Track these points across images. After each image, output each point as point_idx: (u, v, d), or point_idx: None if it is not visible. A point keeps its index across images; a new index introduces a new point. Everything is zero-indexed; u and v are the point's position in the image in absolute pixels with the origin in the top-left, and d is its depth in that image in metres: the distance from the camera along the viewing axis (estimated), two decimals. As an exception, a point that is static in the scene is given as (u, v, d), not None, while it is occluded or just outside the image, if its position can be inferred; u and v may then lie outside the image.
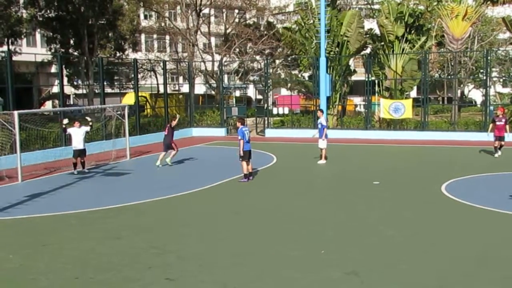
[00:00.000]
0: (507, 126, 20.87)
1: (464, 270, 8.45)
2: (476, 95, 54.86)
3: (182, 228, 11.15)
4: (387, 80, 31.45)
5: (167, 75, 33.53)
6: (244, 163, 16.31)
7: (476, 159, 21.18)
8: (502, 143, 20.87)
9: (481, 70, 40.63)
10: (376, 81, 32.45)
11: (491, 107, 32.95)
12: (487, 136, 21.90)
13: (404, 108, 29.03)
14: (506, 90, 47.01)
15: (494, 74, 44.95)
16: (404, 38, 30.91)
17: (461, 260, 8.90)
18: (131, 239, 10.35)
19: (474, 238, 10.15)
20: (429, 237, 10.24)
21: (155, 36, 53.59)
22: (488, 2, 31.86)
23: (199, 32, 41.27)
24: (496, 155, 20.82)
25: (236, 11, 46.18)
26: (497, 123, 20.83)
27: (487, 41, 46.87)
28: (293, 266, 8.70)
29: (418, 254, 9.24)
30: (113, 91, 42.06)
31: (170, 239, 10.35)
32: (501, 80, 50.97)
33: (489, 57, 29.86)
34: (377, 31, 33.10)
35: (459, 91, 43.88)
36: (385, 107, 29.27)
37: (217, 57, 40.27)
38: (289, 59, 41.36)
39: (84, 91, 38.95)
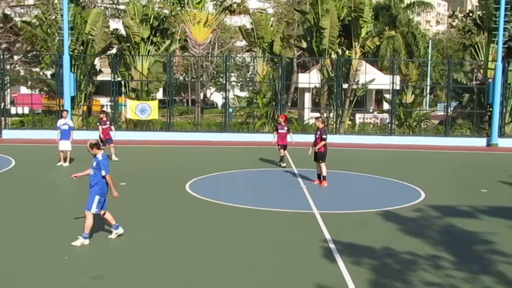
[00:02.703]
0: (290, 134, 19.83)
1: (207, 262, 8.99)
2: (217, 97, 58.44)
3: None
4: (134, 81, 31.58)
5: None
6: None
7: (217, 158, 22.62)
8: (282, 153, 19.60)
9: (221, 74, 43.51)
10: (123, 82, 32.34)
11: (230, 109, 35.48)
12: (274, 144, 20.13)
13: (151, 109, 29.50)
14: (243, 94, 51.02)
15: (233, 78, 48.54)
16: (150, 40, 31.37)
17: (204, 253, 9.46)
18: None
19: (215, 232, 10.86)
20: (174, 235, 10.63)
21: None
22: (227, 11, 34.22)
23: None
24: (283, 164, 19.52)
25: (-34, -1, 41.55)
26: (280, 131, 19.52)
27: (227, 48, 50.42)
28: (35, 276, 8.22)
29: (164, 252, 9.54)
30: None
31: None
32: (239, 84, 55.26)
33: (228, 63, 32.08)
34: (123, 32, 32.99)
35: (202, 94, 46.30)
36: (132, 108, 29.37)
37: None
38: (29, 55, 38.70)
39: None
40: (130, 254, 9.35)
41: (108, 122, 20.77)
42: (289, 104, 38.89)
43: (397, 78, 31.75)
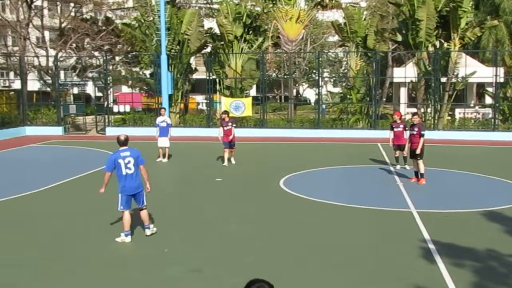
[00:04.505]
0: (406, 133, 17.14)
1: (300, 259, 8.96)
2: (310, 94, 58.24)
3: (12, 234, 10.39)
4: (228, 78, 32.15)
5: (-5, 70, 31.03)
6: None
7: (310, 155, 22.52)
8: (404, 153, 17.35)
9: (314, 71, 43.27)
10: (217, 80, 33.02)
11: (324, 105, 35.22)
12: (390, 147, 18.27)
13: (244, 106, 29.91)
14: (336, 90, 50.47)
15: (325, 74, 48.14)
16: (243, 38, 31.80)
17: (297, 250, 9.43)
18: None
19: (309, 229, 10.80)
20: (268, 230, 10.69)
21: (-20, 27, 49.17)
22: (319, 7, 33.98)
23: (31, 25, 38.71)
24: (398, 167, 17.94)
25: (72, 4, 44.06)
26: (395, 129, 17.69)
27: (319, 43, 50.05)
28: (135, 266, 8.57)
29: (258, 247, 9.60)
30: None
31: (1, 245, 9.61)
32: (332, 80, 54.72)
33: (320, 59, 31.87)
34: (217, 31, 33.67)
35: (294, 90, 46.32)
36: (226, 105, 29.89)
37: (52, 52, 38.10)
38: (129, 56, 40.48)
39: None
40: (226, 248, 9.49)
41: (230, 123, 18.87)
42: (384, 99, 38.06)
43: (501, 70, 30.10)
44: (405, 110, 32.70)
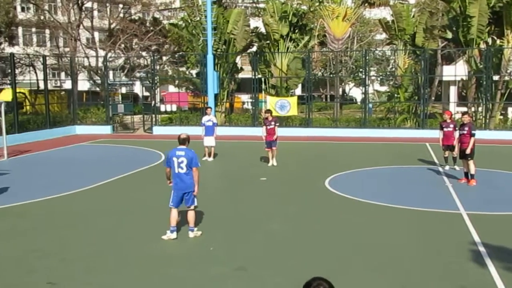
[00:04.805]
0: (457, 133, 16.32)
1: (344, 259, 8.85)
2: (356, 93, 57.61)
3: (65, 230, 10.66)
4: (273, 78, 32.13)
5: (48, 71, 31.93)
6: None
7: (356, 154, 22.26)
8: (454, 153, 16.74)
9: (361, 69, 42.76)
10: (263, 79, 33.04)
11: (370, 105, 34.77)
12: (439, 147, 17.98)
13: (290, 106, 29.82)
14: (383, 89, 49.78)
15: (372, 73, 47.52)
16: (289, 37, 31.71)
17: (342, 250, 9.31)
18: (10, 242, 9.75)
19: (354, 230, 10.66)
20: (312, 230, 10.60)
21: (33, 29, 50.73)
22: (366, 4, 33.56)
23: (81, 27, 39.70)
24: (447, 167, 17.52)
25: (121, 5, 44.96)
26: (445, 129, 17.18)
27: (366, 42, 49.47)
28: (182, 264, 8.65)
29: (303, 247, 9.54)
30: (-13, 87, 39.42)
31: (53, 241, 9.86)
32: (379, 78, 53.98)
33: (367, 57, 31.46)
34: (263, 30, 33.70)
35: (340, 89, 45.92)
36: (272, 105, 29.87)
37: (102, 53, 38.95)
38: (176, 55, 41.00)
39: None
40: (270, 247, 9.46)
41: (273, 122, 18.60)
42: (433, 98, 37.29)
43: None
44: (454, 109, 31.89)
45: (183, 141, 9.99)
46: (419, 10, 38.49)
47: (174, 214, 9.90)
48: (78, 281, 7.90)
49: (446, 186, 14.87)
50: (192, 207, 10.04)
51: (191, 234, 10.06)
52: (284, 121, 30.76)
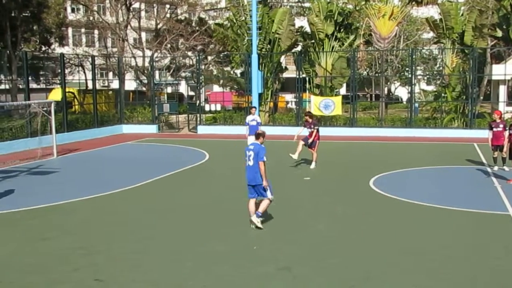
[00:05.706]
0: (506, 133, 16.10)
1: (390, 261, 8.72)
2: (402, 92, 56.70)
3: (111, 227, 10.88)
4: (318, 77, 31.96)
5: (96, 71, 32.67)
6: None
7: (402, 154, 21.91)
8: (504, 154, 16.33)
9: (407, 68, 42.07)
10: (307, 78, 32.91)
11: (416, 104, 34.17)
12: (488, 147, 17.57)
13: (334, 105, 29.59)
14: (430, 88, 48.82)
15: (418, 72, 46.66)
16: (334, 36, 31.48)
17: (387, 251, 9.18)
18: (58, 240, 10.01)
19: (400, 231, 10.50)
20: (357, 231, 10.50)
21: (83, 30, 52.03)
22: (413, 3, 32.96)
23: (129, 27, 40.47)
24: (496, 168, 17.09)
25: (167, 6, 45.61)
26: (494, 129, 16.76)
27: (412, 40, 48.60)
28: (226, 262, 8.70)
29: (347, 247, 9.46)
30: (38, 86, 40.62)
31: (99, 239, 10.08)
32: (425, 78, 52.97)
33: (414, 56, 30.93)
34: (308, 29, 33.56)
35: (386, 89, 45.27)
36: (316, 104, 29.72)
37: (148, 53, 39.60)
38: (221, 55, 41.28)
39: (7, 87, 37.28)
40: (314, 247, 9.42)
41: (312, 126, 18.05)
42: (481, 97, 36.33)
43: None
44: (504, 109, 31.00)
45: (257, 136, 10.68)
46: (468, 9, 37.56)
47: (248, 205, 10.50)
48: (124, 278, 8.04)
49: (494, 187, 14.49)
50: (266, 199, 10.42)
51: (253, 219, 10.39)
52: (328, 121, 30.56)
